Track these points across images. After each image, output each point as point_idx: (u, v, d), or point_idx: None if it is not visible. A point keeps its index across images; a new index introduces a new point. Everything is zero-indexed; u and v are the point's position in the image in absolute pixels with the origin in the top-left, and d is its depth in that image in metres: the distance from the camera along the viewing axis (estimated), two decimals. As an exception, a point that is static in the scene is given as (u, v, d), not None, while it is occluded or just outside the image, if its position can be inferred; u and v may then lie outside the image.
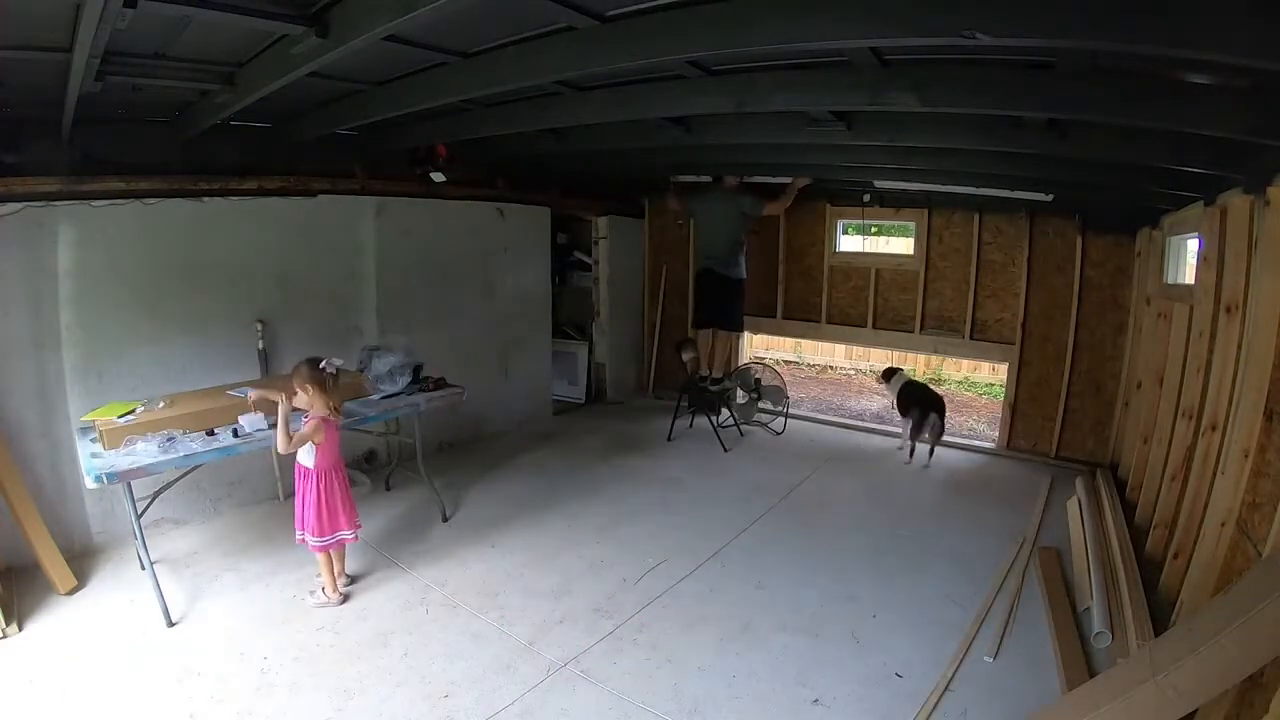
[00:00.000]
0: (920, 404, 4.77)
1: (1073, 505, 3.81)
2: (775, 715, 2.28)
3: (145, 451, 2.66)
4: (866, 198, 5.22)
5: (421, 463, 3.72)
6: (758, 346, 7.14)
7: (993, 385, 7.50)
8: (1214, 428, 2.72)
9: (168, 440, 2.73)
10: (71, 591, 2.86)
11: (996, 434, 5.29)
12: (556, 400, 6.08)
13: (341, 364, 2.88)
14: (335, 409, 2.84)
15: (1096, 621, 2.63)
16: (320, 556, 2.84)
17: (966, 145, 3.08)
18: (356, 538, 2.99)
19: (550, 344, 5.89)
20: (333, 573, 2.87)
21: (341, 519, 2.85)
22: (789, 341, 8.41)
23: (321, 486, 2.79)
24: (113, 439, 2.70)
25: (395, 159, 4.44)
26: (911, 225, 5.38)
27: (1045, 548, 3.42)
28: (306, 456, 2.77)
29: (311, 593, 2.90)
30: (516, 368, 5.44)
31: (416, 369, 3.80)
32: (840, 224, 5.68)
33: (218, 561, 3.21)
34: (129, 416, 2.83)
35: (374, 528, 3.59)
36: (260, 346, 3.78)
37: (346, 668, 2.46)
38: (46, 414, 3.11)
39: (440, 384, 3.78)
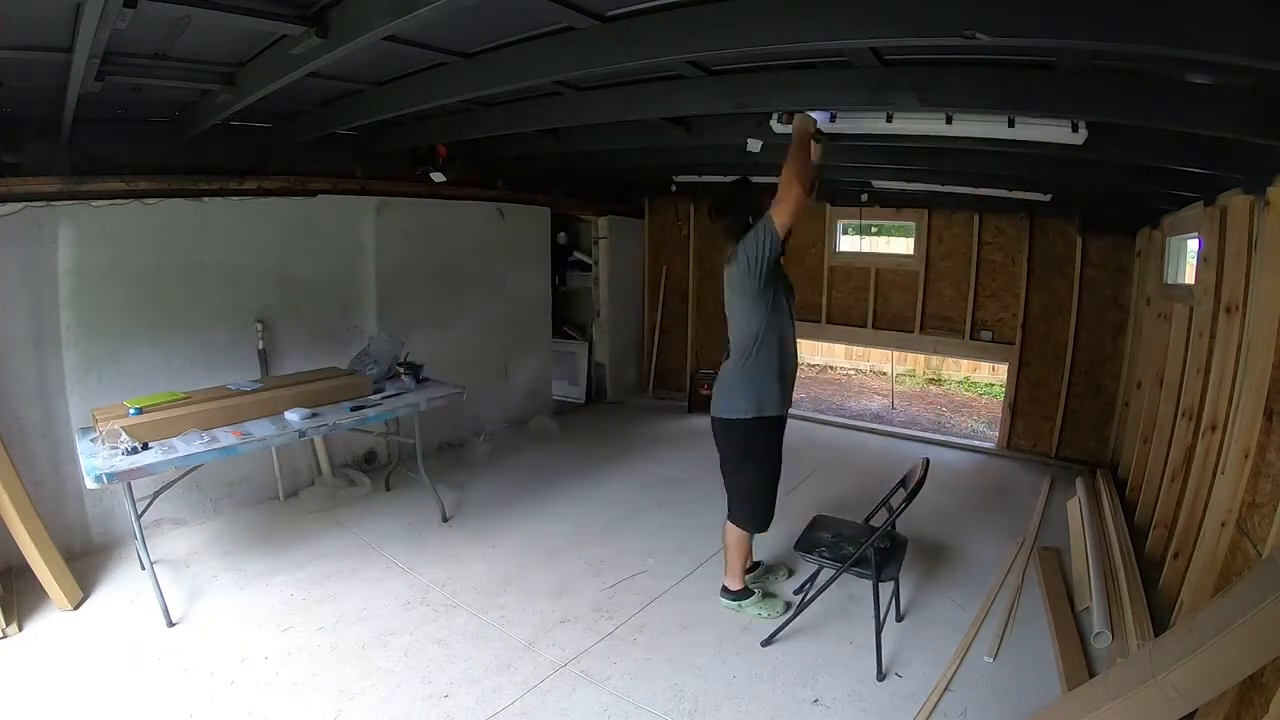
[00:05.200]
0: None
1: (1073, 505, 3.81)
2: (775, 715, 2.28)
3: (148, 451, 2.66)
4: (864, 197, 5.21)
5: (421, 463, 3.72)
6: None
7: (993, 385, 7.51)
8: (1214, 428, 2.73)
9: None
10: (78, 606, 2.81)
11: (996, 434, 5.29)
12: (556, 400, 6.08)
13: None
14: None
15: (1096, 621, 2.63)
16: None
17: (966, 145, 3.08)
18: None
19: (550, 344, 5.89)
20: None
21: None
22: (789, 341, 8.40)
23: None
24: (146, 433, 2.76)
25: (395, 159, 4.44)
26: (911, 225, 5.39)
27: (1045, 548, 3.42)
28: None
29: None
30: (516, 368, 5.44)
31: (414, 367, 3.82)
32: (840, 224, 5.69)
33: (218, 561, 3.21)
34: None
35: (374, 528, 3.59)
36: (260, 346, 3.77)
37: (346, 668, 2.46)
38: (46, 414, 3.11)
39: (413, 369, 3.83)
